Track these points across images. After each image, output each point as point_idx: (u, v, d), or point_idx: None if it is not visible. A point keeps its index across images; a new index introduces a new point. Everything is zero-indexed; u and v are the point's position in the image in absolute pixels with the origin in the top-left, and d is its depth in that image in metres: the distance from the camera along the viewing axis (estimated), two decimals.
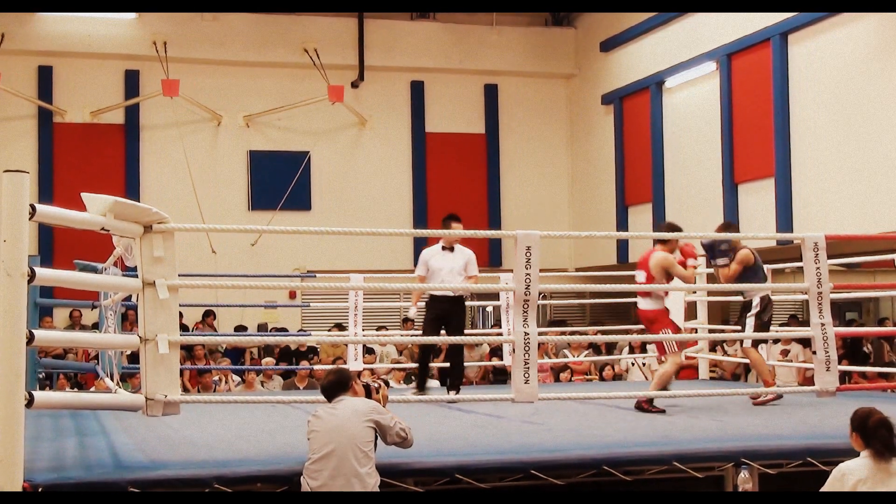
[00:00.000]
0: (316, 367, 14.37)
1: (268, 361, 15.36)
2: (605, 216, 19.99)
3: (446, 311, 10.21)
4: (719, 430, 7.93)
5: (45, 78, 18.97)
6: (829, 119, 14.68)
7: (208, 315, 17.12)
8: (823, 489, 5.59)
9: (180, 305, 6.54)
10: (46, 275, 5.96)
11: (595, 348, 16.13)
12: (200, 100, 19.12)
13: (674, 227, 9.90)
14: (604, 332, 16.16)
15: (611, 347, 16.68)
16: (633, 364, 15.27)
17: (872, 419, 5.60)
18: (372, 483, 5.72)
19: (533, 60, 21.17)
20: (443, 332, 10.11)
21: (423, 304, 10.49)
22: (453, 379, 10.43)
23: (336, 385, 6.15)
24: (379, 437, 5.97)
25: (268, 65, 19.76)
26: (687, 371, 14.03)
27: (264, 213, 19.08)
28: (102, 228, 6.01)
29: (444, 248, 10.35)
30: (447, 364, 10.81)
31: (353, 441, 5.73)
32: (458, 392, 10.15)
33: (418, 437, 6.24)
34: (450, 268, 10.24)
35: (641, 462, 6.53)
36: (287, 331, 17.76)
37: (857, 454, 5.63)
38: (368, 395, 6.26)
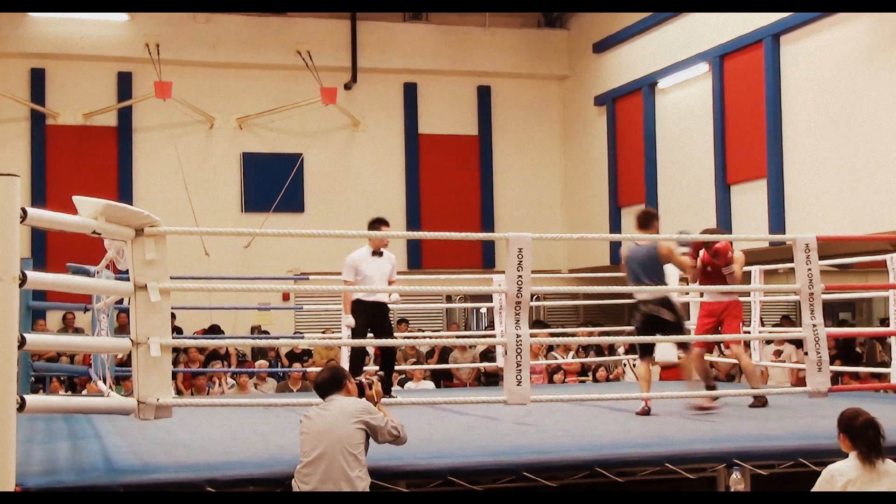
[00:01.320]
0: (309, 369, 14.37)
1: (261, 364, 15.36)
2: (599, 217, 20.01)
3: (378, 319, 10.14)
4: (711, 432, 7.95)
5: (37, 80, 18.95)
6: (822, 120, 14.71)
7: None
8: (813, 491, 5.61)
9: (173, 308, 6.54)
10: (39, 278, 5.95)
11: (596, 349, 16.16)
12: (193, 102, 19.11)
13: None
14: (596, 334, 16.16)
15: (607, 349, 16.67)
16: (625, 365, 15.29)
17: (859, 420, 5.62)
18: (362, 486, 5.69)
19: (526, 62, 21.19)
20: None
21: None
22: (387, 385, 10.24)
23: (330, 383, 6.11)
24: (371, 438, 5.95)
25: (261, 67, 19.76)
26: (677, 371, 14.03)
27: (257, 215, 19.07)
28: (94, 232, 6.01)
29: (373, 252, 10.17)
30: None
31: (342, 444, 5.70)
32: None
33: (411, 439, 6.24)
34: (381, 273, 10.10)
35: (634, 463, 6.54)
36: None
37: (846, 455, 5.66)
38: (361, 392, 6.24)
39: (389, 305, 10.35)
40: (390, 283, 10.20)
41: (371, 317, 10.09)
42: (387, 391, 10.18)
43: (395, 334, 16.16)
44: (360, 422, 5.83)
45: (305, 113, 19.70)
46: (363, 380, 6.38)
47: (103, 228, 6.02)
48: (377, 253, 10.18)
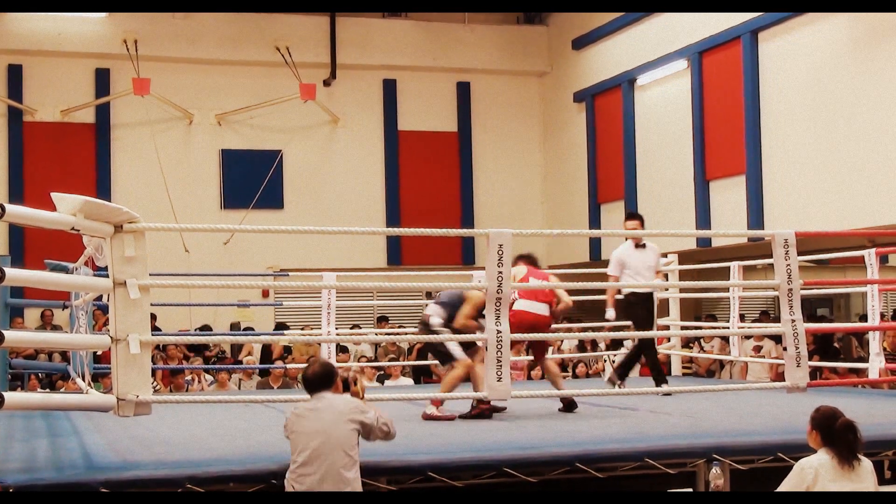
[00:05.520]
0: (289, 365, 14.36)
1: (249, 360, 15.31)
2: (578, 214, 20.04)
3: (648, 310, 10.34)
4: (691, 427, 7.98)
5: (14, 76, 18.83)
6: (800, 116, 14.77)
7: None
8: (784, 483, 5.68)
9: (152, 305, 6.52)
10: (17, 275, 5.93)
11: (580, 346, 16.19)
12: (172, 98, 19.04)
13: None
14: (575, 330, 16.19)
15: (591, 345, 16.68)
16: (605, 360, 15.32)
17: (839, 422, 5.66)
18: (358, 488, 5.67)
19: (505, 58, 21.19)
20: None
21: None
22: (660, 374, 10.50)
23: (322, 378, 5.97)
24: (362, 436, 5.87)
25: (240, 63, 19.70)
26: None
27: (237, 211, 19.03)
28: (73, 228, 5.98)
29: (636, 245, 10.38)
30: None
31: (339, 446, 5.64)
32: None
33: None
34: (646, 265, 10.31)
35: (614, 459, 6.55)
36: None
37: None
38: (346, 388, 6.17)
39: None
40: (658, 273, 10.39)
41: (645, 308, 10.29)
42: (663, 380, 10.28)
43: (374, 331, 16.21)
44: (356, 422, 5.76)
45: (284, 109, 19.65)
46: (346, 376, 6.30)
47: (82, 225, 6.00)
48: (640, 245, 10.36)
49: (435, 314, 8.88)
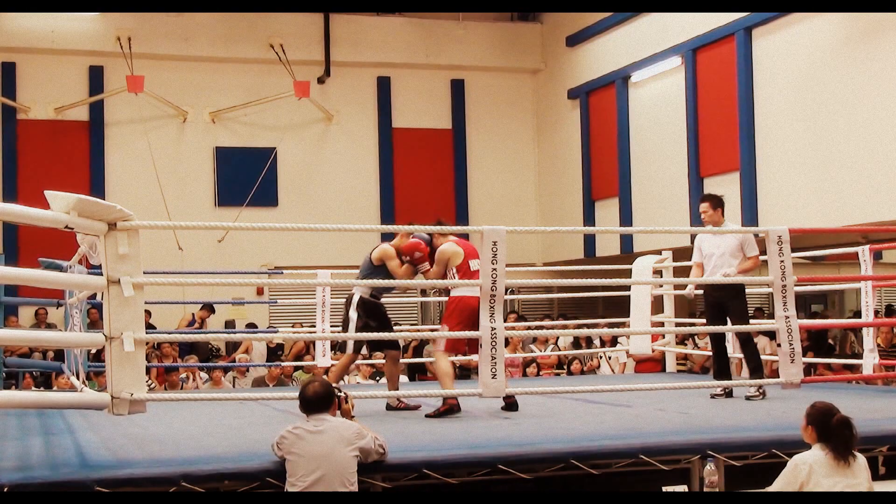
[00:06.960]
0: (284, 363, 14.35)
1: (242, 358, 15.31)
2: (572, 211, 20.04)
3: (723, 300, 9.61)
4: (685, 423, 7.98)
5: (8, 74, 18.79)
6: (794, 113, 14.78)
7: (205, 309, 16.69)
8: (778, 479, 5.68)
9: (146, 303, 6.52)
10: (11, 273, 5.93)
11: (574, 343, 16.20)
12: (165, 96, 19.02)
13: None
14: (571, 327, 16.20)
15: (586, 342, 16.67)
16: (601, 357, 15.33)
17: (835, 418, 5.67)
18: None
19: (499, 55, 21.19)
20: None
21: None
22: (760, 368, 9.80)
23: (322, 400, 5.94)
24: (360, 460, 5.85)
25: (233, 60, 19.68)
26: (651, 364, 14.13)
27: (231, 209, 19.00)
28: (66, 226, 5.98)
29: None
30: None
31: (341, 473, 5.64)
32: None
33: (387, 433, 6.24)
34: (721, 250, 9.63)
35: (608, 455, 6.56)
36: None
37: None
38: (338, 406, 6.17)
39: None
40: (749, 258, 9.51)
41: (713, 298, 9.67)
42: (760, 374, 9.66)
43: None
44: (357, 449, 5.77)
45: (278, 107, 19.65)
46: (337, 393, 6.25)
47: (76, 223, 5.99)
48: None
49: (357, 291, 8.96)
